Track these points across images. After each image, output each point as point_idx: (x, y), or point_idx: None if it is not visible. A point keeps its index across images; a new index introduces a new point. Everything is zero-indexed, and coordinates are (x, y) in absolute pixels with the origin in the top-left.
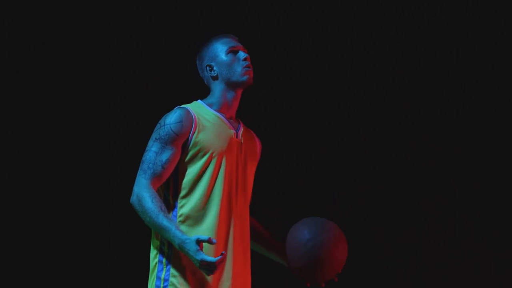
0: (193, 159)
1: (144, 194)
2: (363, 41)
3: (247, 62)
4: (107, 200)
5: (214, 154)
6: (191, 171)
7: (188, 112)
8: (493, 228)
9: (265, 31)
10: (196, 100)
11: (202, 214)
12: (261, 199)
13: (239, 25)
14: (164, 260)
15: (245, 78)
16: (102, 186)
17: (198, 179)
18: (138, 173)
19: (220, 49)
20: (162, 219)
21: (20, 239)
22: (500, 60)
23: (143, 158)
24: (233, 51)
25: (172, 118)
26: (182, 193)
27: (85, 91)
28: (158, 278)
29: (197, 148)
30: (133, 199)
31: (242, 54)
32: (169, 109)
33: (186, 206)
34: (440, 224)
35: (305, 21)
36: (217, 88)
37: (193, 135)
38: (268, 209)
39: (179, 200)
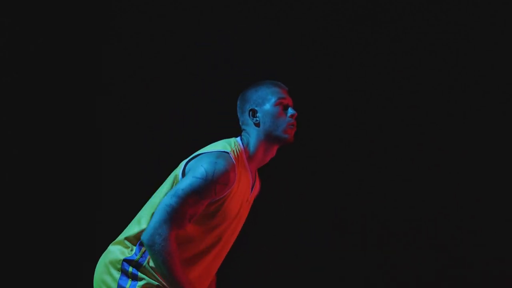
0: (204, 216)
1: (171, 252)
2: (369, 42)
3: (293, 120)
4: (97, 201)
5: (224, 220)
6: (194, 225)
7: (234, 172)
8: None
9: (265, 31)
10: (237, 137)
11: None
12: (265, 201)
13: (239, 25)
14: (129, 271)
15: (287, 136)
16: (94, 187)
17: (196, 236)
18: (162, 214)
19: (269, 97)
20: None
21: (13, 238)
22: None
23: (174, 204)
24: (282, 104)
25: (220, 176)
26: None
27: (83, 92)
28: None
29: (214, 208)
30: (151, 243)
31: (290, 111)
32: (166, 109)
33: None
34: (446, 227)
35: (305, 21)
36: (255, 136)
37: (223, 196)
38: (271, 211)
39: None
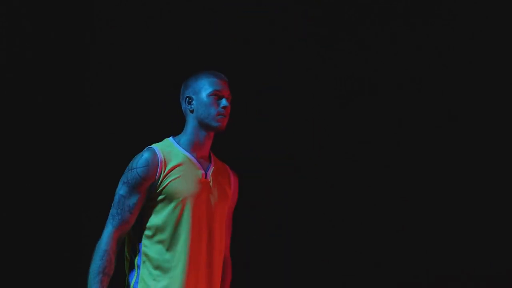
0: (159, 202)
1: (101, 246)
2: (364, 41)
3: (224, 111)
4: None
5: (180, 198)
6: (156, 214)
7: (155, 155)
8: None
9: (261, 31)
10: (168, 137)
11: (168, 258)
12: (261, 200)
13: (237, 25)
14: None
15: (217, 124)
16: (81, 187)
17: (163, 223)
18: (108, 216)
19: (205, 87)
20: (95, 283)
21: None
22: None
23: (113, 202)
24: (216, 95)
25: (139, 162)
26: (147, 233)
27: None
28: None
29: (163, 192)
30: (98, 242)
31: (223, 102)
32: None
33: (149, 248)
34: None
35: (304, 19)
36: (191, 123)
37: (159, 179)
38: (268, 211)
39: (142, 241)
